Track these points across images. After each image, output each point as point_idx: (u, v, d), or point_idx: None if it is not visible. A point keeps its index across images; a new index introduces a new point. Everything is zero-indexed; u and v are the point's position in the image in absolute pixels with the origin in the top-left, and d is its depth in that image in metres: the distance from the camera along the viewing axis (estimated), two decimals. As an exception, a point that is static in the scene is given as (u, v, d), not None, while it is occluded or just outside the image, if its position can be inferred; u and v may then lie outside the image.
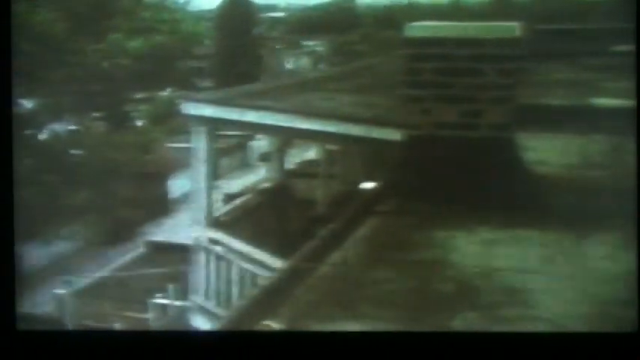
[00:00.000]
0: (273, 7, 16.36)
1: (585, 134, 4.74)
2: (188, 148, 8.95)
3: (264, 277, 7.51)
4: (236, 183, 11.93)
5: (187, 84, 12.90)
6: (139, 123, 12.72)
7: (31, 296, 8.76)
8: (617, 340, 2.95)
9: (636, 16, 3.17)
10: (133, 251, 11.45)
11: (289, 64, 15.50)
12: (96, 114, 11.99)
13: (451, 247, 3.62)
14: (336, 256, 3.69)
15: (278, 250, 7.78)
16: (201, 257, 8.59)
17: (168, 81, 12.89)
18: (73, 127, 11.72)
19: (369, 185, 4.48)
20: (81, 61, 11.15)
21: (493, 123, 3.89)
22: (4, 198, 3.31)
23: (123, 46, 11.58)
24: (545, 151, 4.57)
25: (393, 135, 4.43)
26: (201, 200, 8.64)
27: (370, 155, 9.01)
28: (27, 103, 10.61)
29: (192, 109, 8.53)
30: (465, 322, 3.19)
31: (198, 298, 8.57)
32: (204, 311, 8.55)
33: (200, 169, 8.58)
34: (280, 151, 9.98)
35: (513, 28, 3.94)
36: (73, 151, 11.10)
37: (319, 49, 15.81)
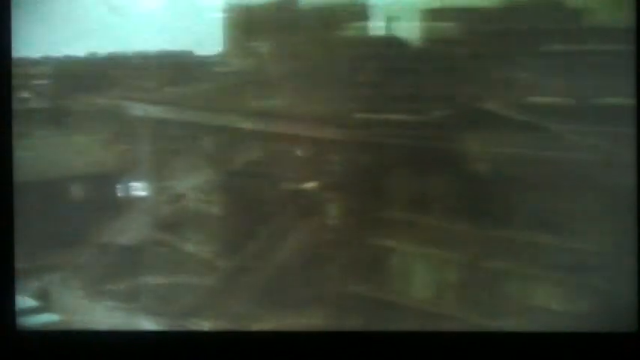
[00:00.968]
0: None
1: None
2: (133, 149, 8.93)
3: (208, 277, 7.52)
4: (181, 184, 11.91)
5: (133, 85, 12.78)
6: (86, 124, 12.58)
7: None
8: (617, 340, 3.11)
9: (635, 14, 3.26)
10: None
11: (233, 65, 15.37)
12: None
13: (395, 249, 3.76)
14: (279, 256, 3.77)
15: (222, 251, 7.79)
16: (148, 258, 8.58)
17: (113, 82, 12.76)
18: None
19: (311, 185, 4.55)
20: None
21: (436, 123, 4.01)
22: (4, 198, 3.31)
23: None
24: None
25: (335, 135, 4.51)
26: (148, 201, 8.62)
27: (312, 155, 9.05)
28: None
29: (138, 110, 8.52)
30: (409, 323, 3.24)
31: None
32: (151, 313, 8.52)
33: (145, 170, 8.58)
34: (223, 152, 9.98)
35: (454, 28, 4.09)
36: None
37: (262, 49, 15.73)
